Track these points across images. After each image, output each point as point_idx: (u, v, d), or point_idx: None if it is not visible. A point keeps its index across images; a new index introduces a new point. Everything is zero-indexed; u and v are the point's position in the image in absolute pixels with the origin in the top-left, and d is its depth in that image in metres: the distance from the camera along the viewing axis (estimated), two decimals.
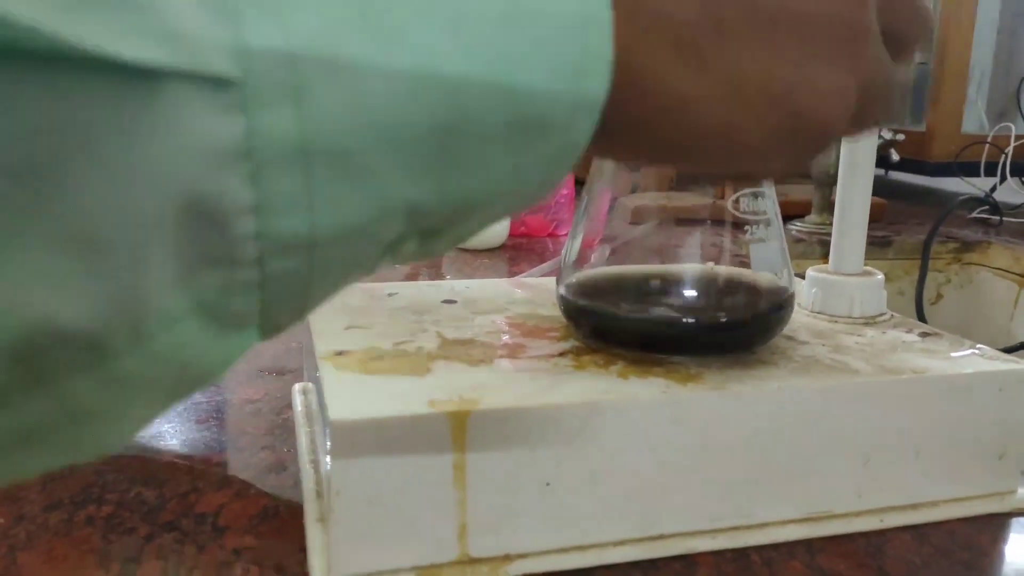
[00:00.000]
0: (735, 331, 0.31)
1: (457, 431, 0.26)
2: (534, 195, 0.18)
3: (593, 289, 0.31)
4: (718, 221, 0.30)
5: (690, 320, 0.30)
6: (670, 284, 0.30)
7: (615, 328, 0.31)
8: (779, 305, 0.31)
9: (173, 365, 0.15)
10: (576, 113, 0.17)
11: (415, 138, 0.15)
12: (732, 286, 0.30)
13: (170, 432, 0.37)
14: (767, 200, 0.30)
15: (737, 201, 0.29)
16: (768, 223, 0.30)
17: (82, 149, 0.12)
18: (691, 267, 0.30)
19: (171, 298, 0.14)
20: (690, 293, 0.30)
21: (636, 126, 0.19)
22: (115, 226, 0.13)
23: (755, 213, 0.30)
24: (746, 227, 0.30)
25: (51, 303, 0.13)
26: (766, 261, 0.30)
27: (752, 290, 0.31)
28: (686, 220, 0.30)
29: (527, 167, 0.17)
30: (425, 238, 0.17)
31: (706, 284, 0.30)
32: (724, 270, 0.30)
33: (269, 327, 0.16)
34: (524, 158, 0.17)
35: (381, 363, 0.29)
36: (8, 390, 0.13)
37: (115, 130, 0.13)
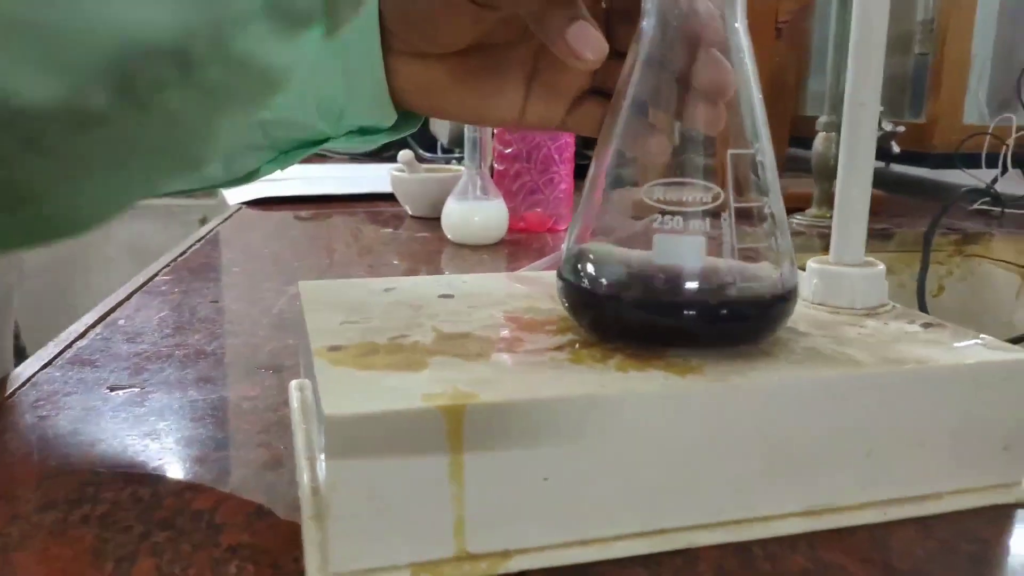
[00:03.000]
0: (735, 322, 0.30)
1: (453, 426, 0.25)
2: None
3: (594, 280, 0.31)
4: (715, 214, 0.29)
5: (691, 311, 0.30)
6: (672, 275, 0.30)
7: (618, 318, 0.30)
8: (782, 297, 0.31)
9: (249, 70, 0.17)
10: None
11: None
12: (732, 277, 0.30)
13: (166, 429, 0.37)
14: (689, 190, 0.30)
15: (651, 191, 0.29)
16: (689, 216, 0.29)
17: None
18: (692, 257, 0.30)
19: None
20: (692, 284, 0.29)
21: None
22: None
23: (668, 203, 0.29)
24: (656, 216, 0.29)
25: (141, 19, 0.15)
26: (675, 254, 0.29)
27: (753, 281, 0.30)
28: (682, 213, 0.29)
29: None
30: None
31: (707, 275, 0.30)
32: (723, 262, 0.30)
33: (332, 22, 0.18)
34: None
35: (376, 358, 0.29)
36: (110, 107, 0.15)
37: None
